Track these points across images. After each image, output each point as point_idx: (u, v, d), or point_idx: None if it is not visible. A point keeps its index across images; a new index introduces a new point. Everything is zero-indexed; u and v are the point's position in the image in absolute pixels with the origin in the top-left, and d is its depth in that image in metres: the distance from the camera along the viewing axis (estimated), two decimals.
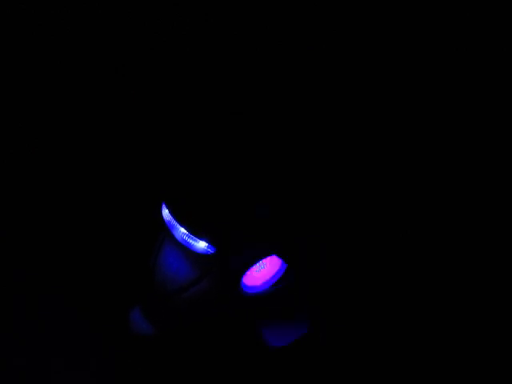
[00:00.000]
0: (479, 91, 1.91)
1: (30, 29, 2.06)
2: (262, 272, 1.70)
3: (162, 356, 1.78)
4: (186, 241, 1.60)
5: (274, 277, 1.72)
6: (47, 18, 2.05)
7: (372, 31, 1.93)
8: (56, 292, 1.91)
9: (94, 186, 2.12)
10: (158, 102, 2.11)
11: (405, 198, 1.96)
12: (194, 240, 1.59)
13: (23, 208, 2.09)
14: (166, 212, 1.64)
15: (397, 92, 1.95)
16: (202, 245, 1.59)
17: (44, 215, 2.08)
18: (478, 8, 1.84)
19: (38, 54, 2.08)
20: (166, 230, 1.65)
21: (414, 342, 1.84)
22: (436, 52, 1.91)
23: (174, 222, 1.61)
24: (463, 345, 1.83)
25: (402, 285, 1.92)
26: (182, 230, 1.60)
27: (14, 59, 2.09)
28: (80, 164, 2.14)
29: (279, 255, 1.66)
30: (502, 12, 1.84)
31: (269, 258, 1.67)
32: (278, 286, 1.72)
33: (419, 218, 1.96)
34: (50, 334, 1.80)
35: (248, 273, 1.65)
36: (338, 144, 1.94)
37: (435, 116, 1.95)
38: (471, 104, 1.92)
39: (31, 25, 2.06)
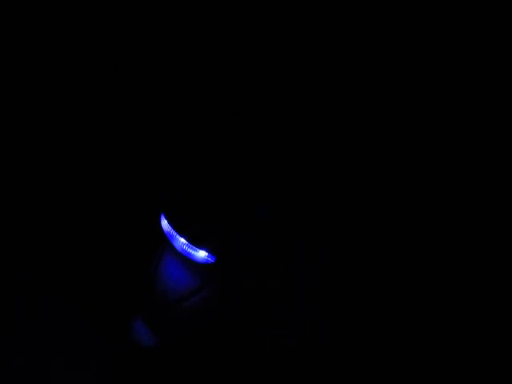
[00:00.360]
0: (479, 91, 1.91)
1: (30, 29, 2.06)
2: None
3: (162, 357, 1.78)
4: (185, 251, 1.61)
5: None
6: (47, 18, 2.05)
7: (372, 31, 1.93)
8: (56, 292, 1.91)
9: (94, 189, 2.12)
10: (156, 105, 2.11)
11: (405, 198, 1.96)
12: (194, 249, 1.59)
13: (23, 208, 2.09)
14: (165, 223, 1.64)
15: (397, 92, 1.95)
16: (201, 254, 1.59)
17: (44, 216, 2.08)
18: (478, 8, 1.84)
19: (38, 54, 2.08)
20: (165, 240, 1.66)
21: (413, 341, 1.84)
22: (436, 52, 1.91)
23: (174, 233, 1.61)
24: (463, 345, 1.83)
25: (402, 285, 1.92)
26: (182, 240, 1.60)
27: (14, 59, 2.09)
28: (80, 167, 2.14)
29: (276, 260, 1.67)
30: (501, 12, 1.84)
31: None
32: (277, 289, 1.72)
33: (419, 218, 1.96)
34: (50, 334, 1.80)
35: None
36: (338, 144, 1.94)
37: (435, 116, 1.95)
38: (471, 104, 1.92)
39: (31, 25, 2.06)
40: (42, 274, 1.95)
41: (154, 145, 2.10)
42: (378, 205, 1.95)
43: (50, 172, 2.13)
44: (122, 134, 2.12)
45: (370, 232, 1.94)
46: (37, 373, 1.72)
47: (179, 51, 2.06)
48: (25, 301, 1.87)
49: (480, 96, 1.91)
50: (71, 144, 2.14)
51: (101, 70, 2.10)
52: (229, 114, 2.00)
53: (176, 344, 1.77)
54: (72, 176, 2.13)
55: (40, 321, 1.83)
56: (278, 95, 1.99)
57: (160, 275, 1.66)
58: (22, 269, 1.95)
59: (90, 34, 2.07)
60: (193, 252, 1.60)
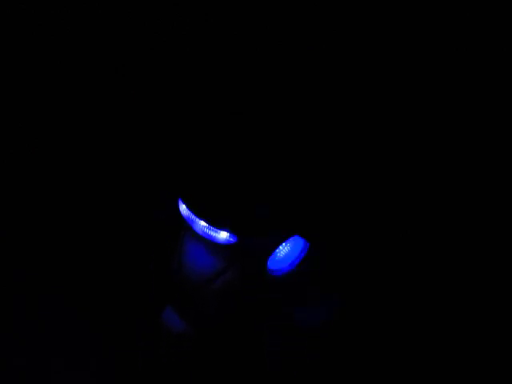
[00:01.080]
0: (479, 91, 1.91)
1: (30, 29, 2.06)
2: (286, 254, 1.70)
3: (162, 357, 1.78)
4: (207, 233, 1.60)
5: (298, 257, 1.72)
6: (47, 18, 2.05)
7: (372, 31, 1.94)
8: (56, 292, 1.91)
9: (98, 186, 2.12)
10: (159, 103, 2.11)
11: (405, 198, 1.96)
12: (215, 231, 1.59)
13: (23, 208, 2.09)
14: (183, 207, 1.63)
15: (397, 92, 1.95)
16: (223, 235, 1.59)
17: (44, 215, 2.08)
18: (478, 8, 1.85)
19: (38, 54, 2.09)
20: (185, 225, 1.65)
21: (414, 341, 1.84)
22: (436, 52, 1.91)
23: (193, 217, 1.61)
24: (463, 343, 1.83)
25: (402, 284, 1.92)
26: (202, 223, 1.60)
27: (14, 59, 2.09)
28: (81, 163, 2.14)
29: (301, 235, 1.66)
30: (501, 12, 1.84)
31: (291, 239, 1.67)
32: (303, 265, 1.72)
33: (419, 218, 1.96)
34: (49, 334, 1.80)
35: (272, 256, 1.65)
36: (338, 144, 1.94)
37: (435, 116, 1.95)
38: (471, 104, 1.92)
39: (31, 25, 2.06)
40: (42, 274, 1.95)
41: (163, 134, 2.08)
42: (378, 205, 1.95)
43: (49, 172, 2.13)
44: (129, 127, 2.11)
45: (370, 232, 1.94)
46: (37, 373, 1.72)
47: (179, 51, 2.06)
48: (25, 301, 1.87)
49: (480, 96, 1.91)
50: (71, 140, 2.13)
51: (101, 69, 2.10)
52: (229, 113, 2.00)
53: (206, 331, 1.75)
54: (72, 167, 2.12)
55: (40, 321, 1.83)
56: (278, 95, 1.99)
57: (184, 261, 1.65)
58: (21, 269, 1.95)
59: (89, 33, 2.07)
60: (214, 234, 1.59)
